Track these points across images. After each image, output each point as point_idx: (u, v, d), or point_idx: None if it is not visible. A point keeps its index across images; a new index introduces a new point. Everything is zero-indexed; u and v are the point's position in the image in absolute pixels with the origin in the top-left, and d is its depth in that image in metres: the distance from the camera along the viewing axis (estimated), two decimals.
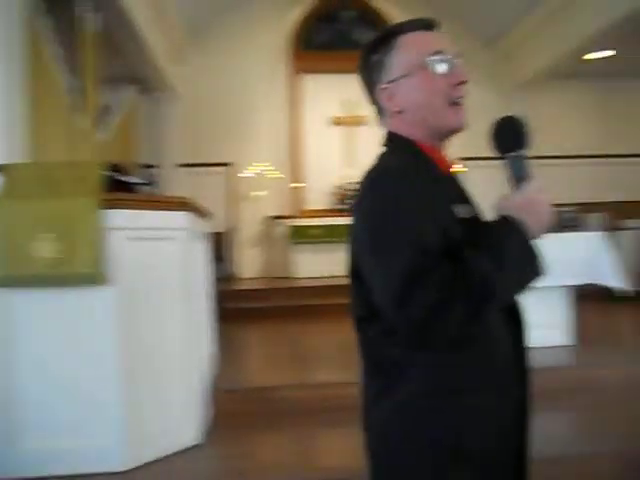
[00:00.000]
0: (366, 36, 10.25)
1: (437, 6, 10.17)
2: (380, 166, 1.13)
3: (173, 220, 2.87)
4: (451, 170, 1.22)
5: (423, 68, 1.14)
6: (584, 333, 4.62)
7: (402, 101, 1.16)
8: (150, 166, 8.82)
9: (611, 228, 7.77)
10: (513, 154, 1.15)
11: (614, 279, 4.26)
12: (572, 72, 10.13)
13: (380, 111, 1.23)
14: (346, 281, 1.22)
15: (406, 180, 1.05)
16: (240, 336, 5.86)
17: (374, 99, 1.22)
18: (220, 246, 9.20)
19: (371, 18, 10.32)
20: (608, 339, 5.25)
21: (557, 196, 8.09)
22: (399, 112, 1.17)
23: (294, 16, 10.09)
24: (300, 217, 9.44)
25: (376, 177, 1.10)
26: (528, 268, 1.06)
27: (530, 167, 1.14)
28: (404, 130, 1.18)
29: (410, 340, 1.04)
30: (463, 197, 1.20)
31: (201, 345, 3.21)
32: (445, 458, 1.05)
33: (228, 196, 9.80)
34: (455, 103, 1.15)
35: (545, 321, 4.29)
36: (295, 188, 9.73)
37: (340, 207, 9.89)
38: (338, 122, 10.26)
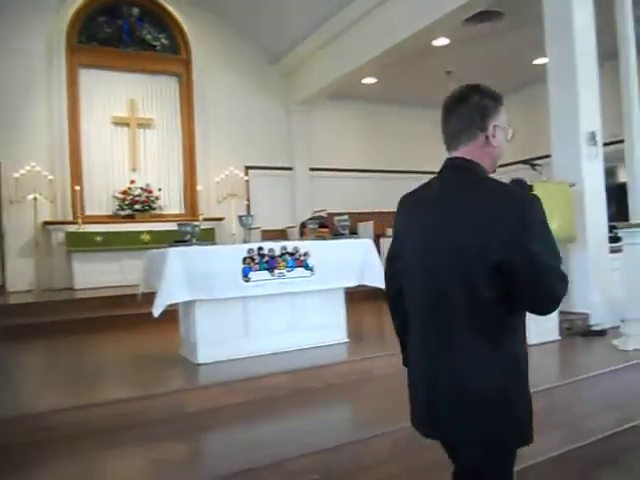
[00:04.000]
0: (152, 35, 9.96)
1: (225, 17, 10.38)
2: (507, 187, 1.65)
3: None
4: None
5: (505, 130, 1.71)
6: (356, 330, 5.14)
7: (498, 141, 1.68)
8: None
9: (377, 235, 8.75)
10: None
11: (380, 281, 4.82)
12: (349, 94, 11.20)
13: (475, 135, 1.66)
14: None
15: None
16: (10, 357, 5.21)
17: (482, 125, 1.66)
18: None
19: (156, 17, 10.03)
20: (375, 333, 5.92)
21: (333, 206, 8.70)
22: (494, 146, 1.67)
23: (73, 6, 9.28)
24: (79, 223, 8.71)
25: (525, 197, 1.57)
26: None
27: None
28: (486, 158, 1.68)
29: (543, 310, 1.59)
30: None
31: None
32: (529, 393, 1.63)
33: None
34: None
35: (324, 322, 4.67)
36: (74, 191, 8.96)
37: (124, 213, 9.41)
38: (122, 123, 9.75)
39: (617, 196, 6.86)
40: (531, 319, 5.01)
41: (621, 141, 6.63)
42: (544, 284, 1.50)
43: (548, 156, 6.14)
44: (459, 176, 1.64)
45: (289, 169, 11.11)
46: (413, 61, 9.53)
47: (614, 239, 5.74)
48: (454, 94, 1.72)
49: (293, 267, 4.50)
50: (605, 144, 6.11)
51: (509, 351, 1.57)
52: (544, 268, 1.49)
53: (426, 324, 1.67)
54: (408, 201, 1.82)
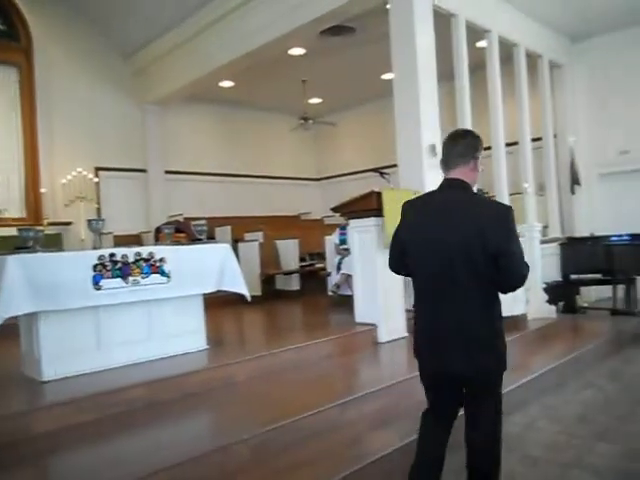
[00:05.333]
0: None
1: (74, 7, 9.70)
2: (491, 199, 2.71)
3: None
4: None
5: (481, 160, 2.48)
6: (216, 336, 5.10)
7: (478, 167, 2.46)
8: None
9: (235, 240, 8.75)
10: None
11: (239, 286, 4.85)
12: (207, 96, 11.07)
13: (466, 164, 2.41)
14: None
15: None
16: None
17: (474, 154, 2.43)
18: None
19: None
20: (236, 338, 5.92)
21: (190, 210, 8.53)
22: (477, 170, 2.46)
23: None
24: None
25: (504, 206, 2.39)
26: None
27: None
28: (472, 179, 2.44)
29: (518, 285, 2.34)
30: None
31: None
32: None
33: None
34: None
35: (182, 329, 4.58)
36: None
37: None
38: None
39: None
40: (383, 319, 5.32)
41: None
42: (515, 268, 2.27)
43: (395, 165, 6.60)
44: (459, 191, 2.39)
45: (143, 171, 10.66)
46: (270, 68, 9.68)
47: None
48: (456, 132, 2.54)
49: (148, 274, 4.35)
50: None
51: (495, 310, 2.37)
52: (515, 257, 2.27)
53: (438, 292, 2.36)
54: (416, 205, 2.57)
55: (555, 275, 7.70)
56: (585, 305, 7.59)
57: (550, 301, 6.80)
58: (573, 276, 7.39)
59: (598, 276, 7.29)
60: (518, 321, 5.80)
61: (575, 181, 9.03)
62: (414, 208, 2.56)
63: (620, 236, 6.85)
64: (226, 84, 10.65)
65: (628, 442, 3.37)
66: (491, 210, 2.32)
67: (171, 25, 9.09)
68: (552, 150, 9.02)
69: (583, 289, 7.86)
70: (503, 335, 2.37)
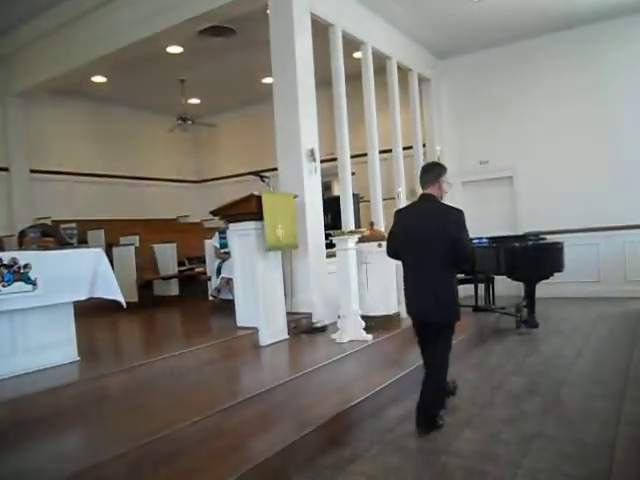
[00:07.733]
0: None
1: None
2: (450, 206, 3.78)
3: None
4: None
5: (447, 183, 3.89)
6: (88, 347, 4.81)
7: (443, 187, 3.84)
8: None
9: (109, 244, 8.31)
10: None
11: (114, 292, 4.61)
12: (78, 91, 10.39)
13: (434, 185, 3.79)
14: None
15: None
16: None
17: (439, 179, 3.80)
18: None
19: None
20: (110, 348, 5.63)
21: (60, 213, 7.94)
22: (442, 189, 3.82)
23: None
24: None
25: (458, 210, 3.69)
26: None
27: None
28: (438, 194, 3.80)
29: (466, 261, 3.82)
30: None
31: None
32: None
33: None
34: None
35: (50, 340, 4.26)
36: None
37: None
38: None
39: (332, 207, 7.81)
40: (264, 323, 5.34)
41: (335, 159, 7.59)
42: (464, 248, 3.58)
43: (275, 169, 6.67)
44: (430, 202, 3.75)
45: (5, 170, 9.71)
46: (147, 65, 9.34)
47: (329, 245, 6.52)
48: (428, 164, 4.06)
49: (11, 281, 4.00)
50: (322, 161, 6.92)
51: (454, 280, 3.72)
52: (464, 242, 3.59)
53: (418, 267, 3.70)
54: (405, 211, 4.02)
55: None
56: None
57: None
58: None
59: (462, 275, 7.89)
60: (392, 320, 6.09)
61: None
62: (403, 213, 3.97)
63: (480, 239, 7.44)
64: (98, 79, 10.09)
65: (488, 427, 3.70)
66: (450, 213, 3.66)
67: (38, 11, 8.37)
68: (422, 158, 9.63)
69: None
70: (457, 294, 3.75)
